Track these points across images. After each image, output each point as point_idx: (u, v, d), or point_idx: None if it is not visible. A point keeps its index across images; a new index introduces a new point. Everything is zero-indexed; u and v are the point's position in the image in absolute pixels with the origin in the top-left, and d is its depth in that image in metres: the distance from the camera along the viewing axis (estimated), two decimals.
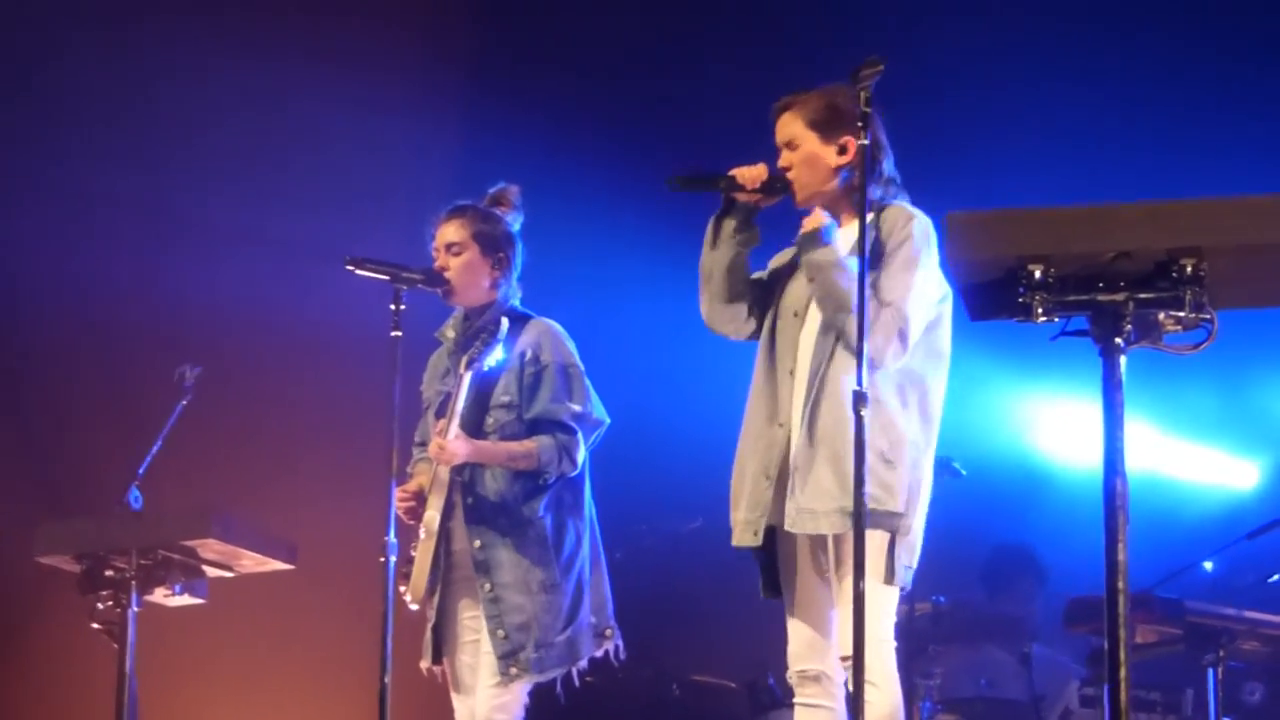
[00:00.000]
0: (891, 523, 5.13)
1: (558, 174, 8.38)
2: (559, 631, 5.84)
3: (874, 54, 4.93)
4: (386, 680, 5.70)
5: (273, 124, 8.79)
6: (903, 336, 5.13)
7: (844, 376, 5.09)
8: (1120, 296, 3.99)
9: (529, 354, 5.95)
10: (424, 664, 6.02)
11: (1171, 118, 8.49)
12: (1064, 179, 8.16)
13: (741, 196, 5.33)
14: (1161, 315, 4.01)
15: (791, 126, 5.35)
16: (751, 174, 5.30)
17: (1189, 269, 3.92)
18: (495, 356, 5.82)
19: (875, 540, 5.07)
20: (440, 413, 5.93)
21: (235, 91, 8.74)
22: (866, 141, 4.98)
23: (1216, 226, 3.94)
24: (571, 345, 6.04)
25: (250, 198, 8.82)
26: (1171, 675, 7.67)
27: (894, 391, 5.20)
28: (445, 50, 9.24)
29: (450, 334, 6.14)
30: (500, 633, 5.81)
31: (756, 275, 5.45)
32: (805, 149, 5.33)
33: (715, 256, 5.37)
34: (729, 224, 5.35)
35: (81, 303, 8.81)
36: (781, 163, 5.36)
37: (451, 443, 5.78)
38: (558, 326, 6.06)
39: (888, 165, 5.35)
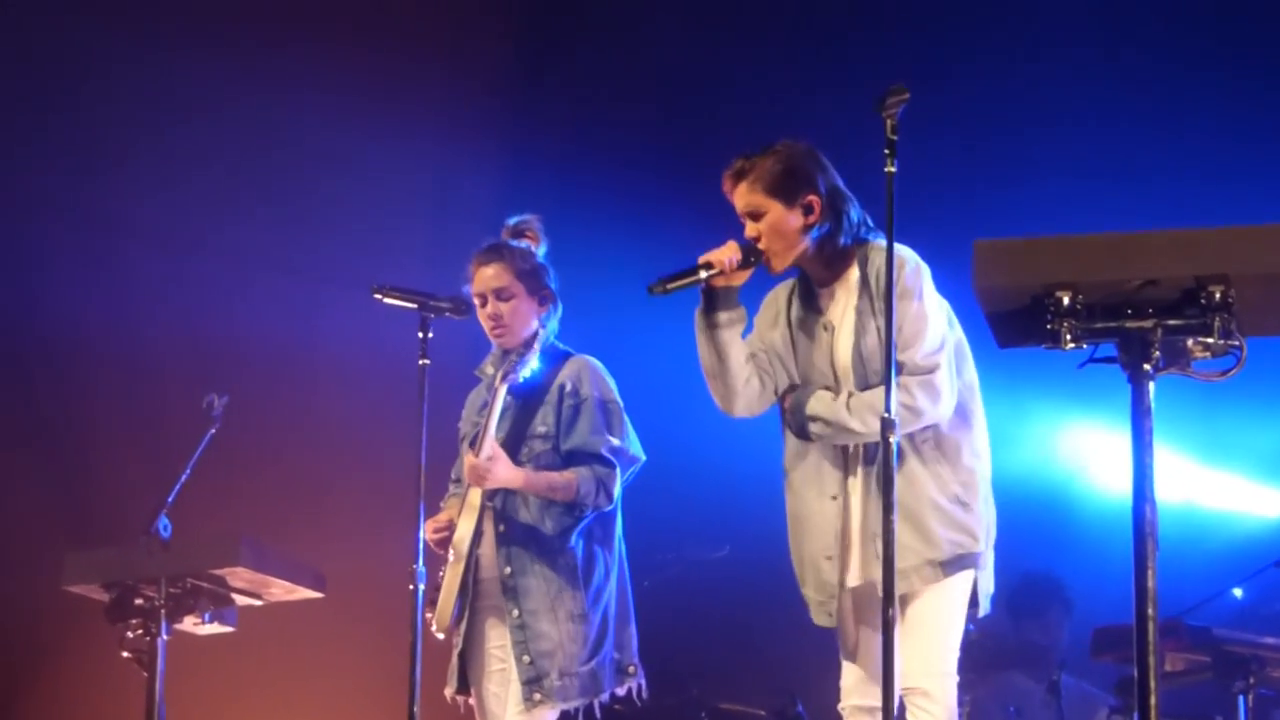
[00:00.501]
0: (974, 561, 5.19)
1: (586, 200, 8.40)
2: (584, 662, 5.83)
3: (898, 82, 4.90)
4: (416, 710, 5.71)
5: (301, 151, 8.80)
6: (933, 390, 5.09)
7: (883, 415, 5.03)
8: (1148, 323, 3.99)
9: (569, 386, 5.95)
10: (449, 692, 6.00)
11: (1198, 146, 8.48)
12: (1091, 207, 8.15)
13: (720, 281, 5.23)
14: (1190, 342, 4.01)
15: (750, 197, 5.26)
16: (725, 255, 5.20)
17: (1217, 296, 3.92)
18: (530, 368, 5.82)
19: (962, 583, 5.15)
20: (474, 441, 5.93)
21: (264, 119, 8.76)
22: (894, 170, 4.91)
23: (1244, 254, 3.94)
24: (611, 382, 6.03)
25: (278, 226, 8.84)
26: (1201, 704, 7.64)
27: (961, 435, 5.22)
28: (476, 76, 9.26)
29: (490, 370, 6.13)
30: (526, 658, 5.80)
31: (751, 345, 5.37)
32: (770, 218, 5.23)
33: (715, 354, 5.28)
34: (721, 315, 5.26)
35: (109, 331, 8.82)
36: (748, 233, 5.26)
37: (488, 464, 5.76)
38: (597, 362, 6.04)
39: (854, 211, 5.27)
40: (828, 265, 5.29)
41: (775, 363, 5.36)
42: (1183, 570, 7.12)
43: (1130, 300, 4.00)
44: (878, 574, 5.08)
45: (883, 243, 5.14)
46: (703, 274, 5.20)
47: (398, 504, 6.02)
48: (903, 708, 5.16)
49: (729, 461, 5.89)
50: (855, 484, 5.21)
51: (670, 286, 5.21)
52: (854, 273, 5.27)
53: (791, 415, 5.24)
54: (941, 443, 5.17)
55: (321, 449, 8.86)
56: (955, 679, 5.19)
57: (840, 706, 5.35)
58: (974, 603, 5.21)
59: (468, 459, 5.80)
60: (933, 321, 5.14)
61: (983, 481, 5.24)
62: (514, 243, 6.07)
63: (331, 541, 8.10)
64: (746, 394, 5.33)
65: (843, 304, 5.29)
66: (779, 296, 5.44)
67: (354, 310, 7.36)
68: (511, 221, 6.13)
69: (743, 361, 5.31)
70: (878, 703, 5.19)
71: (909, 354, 5.08)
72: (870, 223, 5.31)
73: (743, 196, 5.28)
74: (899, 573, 5.05)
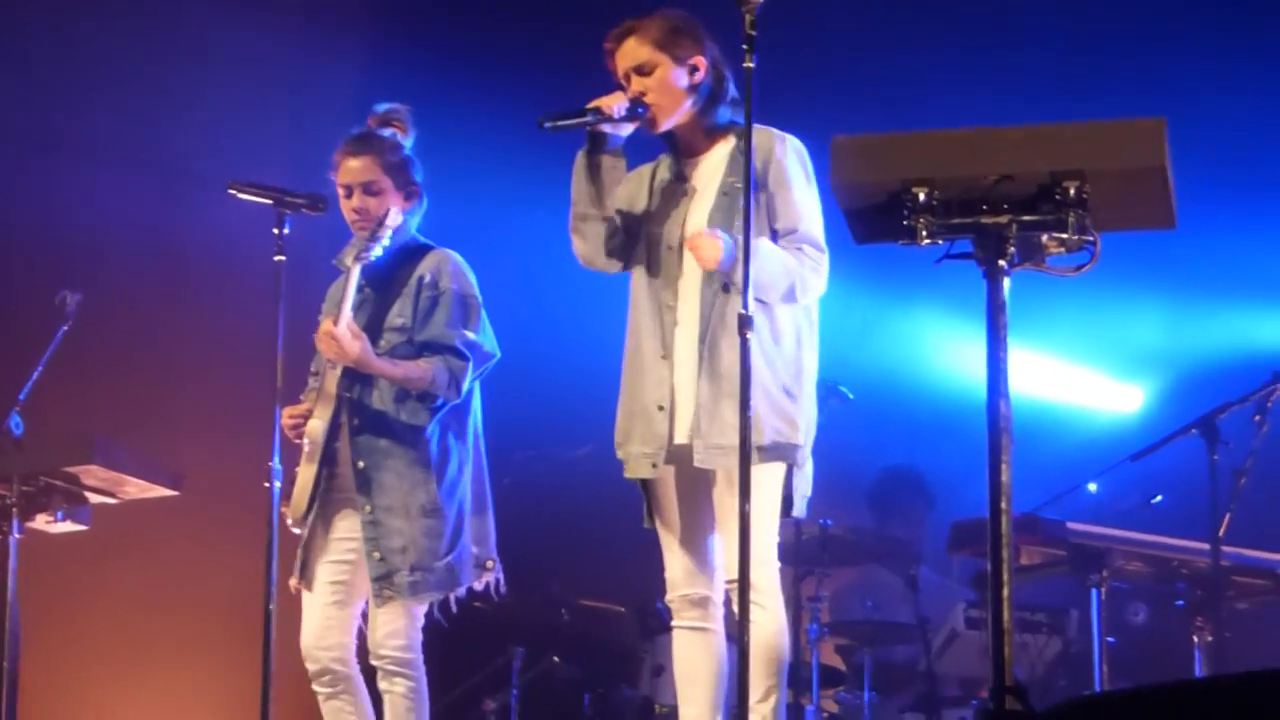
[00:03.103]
0: (792, 455, 5.20)
1: (447, 101, 8.32)
2: (439, 557, 5.77)
3: None
4: (271, 607, 5.66)
5: (158, 41, 8.66)
6: (823, 272, 5.22)
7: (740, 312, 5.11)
8: (1004, 219, 4.03)
9: (427, 278, 5.89)
10: (293, 582, 5.90)
11: (1055, 44, 8.54)
12: (948, 104, 8.18)
13: (607, 127, 5.29)
14: (1044, 238, 4.05)
15: (639, 50, 5.32)
16: (614, 102, 5.26)
17: (1071, 192, 3.96)
18: (382, 246, 5.77)
19: (775, 472, 5.15)
20: None
21: (122, 12, 8.61)
22: (752, 65, 4.91)
23: (1098, 150, 3.98)
24: (472, 276, 5.97)
25: (133, 118, 8.70)
26: (1056, 597, 7.75)
27: (791, 323, 5.26)
28: None
29: (349, 261, 6.07)
30: (376, 554, 5.75)
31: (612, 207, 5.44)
32: (658, 74, 5.30)
33: (589, 194, 5.34)
34: (603, 159, 5.32)
35: None
36: (634, 89, 5.31)
37: (346, 338, 5.70)
38: (458, 257, 5.98)
39: (732, 87, 5.35)
40: (706, 134, 5.36)
41: (635, 223, 5.41)
42: (1039, 465, 7.20)
43: (986, 196, 4.03)
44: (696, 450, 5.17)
45: (760, 126, 5.20)
46: (589, 117, 5.26)
47: (255, 401, 5.95)
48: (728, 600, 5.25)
49: (591, 361, 5.87)
50: (687, 352, 5.23)
51: (560, 124, 5.26)
52: (725, 146, 5.33)
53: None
54: (780, 332, 5.22)
55: (177, 346, 8.77)
56: (777, 566, 5.20)
57: (668, 599, 5.39)
58: (789, 503, 5.21)
59: (323, 325, 5.74)
60: (815, 199, 5.25)
61: (809, 379, 5.28)
62: (382, 132, 5.99)
63: (188, 440, 8.04)
64: (610, 245, 5.39)
65: (709, 174, 5.34)
66: (645, 168, 5.50)
67: (210, 205, 7.27)
68: (380, 109, 6.04)
69: (612, 213, 5.37)
70: (708, 592, 5.31)
71: (809, 232, 5.19)
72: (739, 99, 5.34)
73: (630, 52, 5.35)
74: (720, 449, 5.15)
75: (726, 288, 5.18)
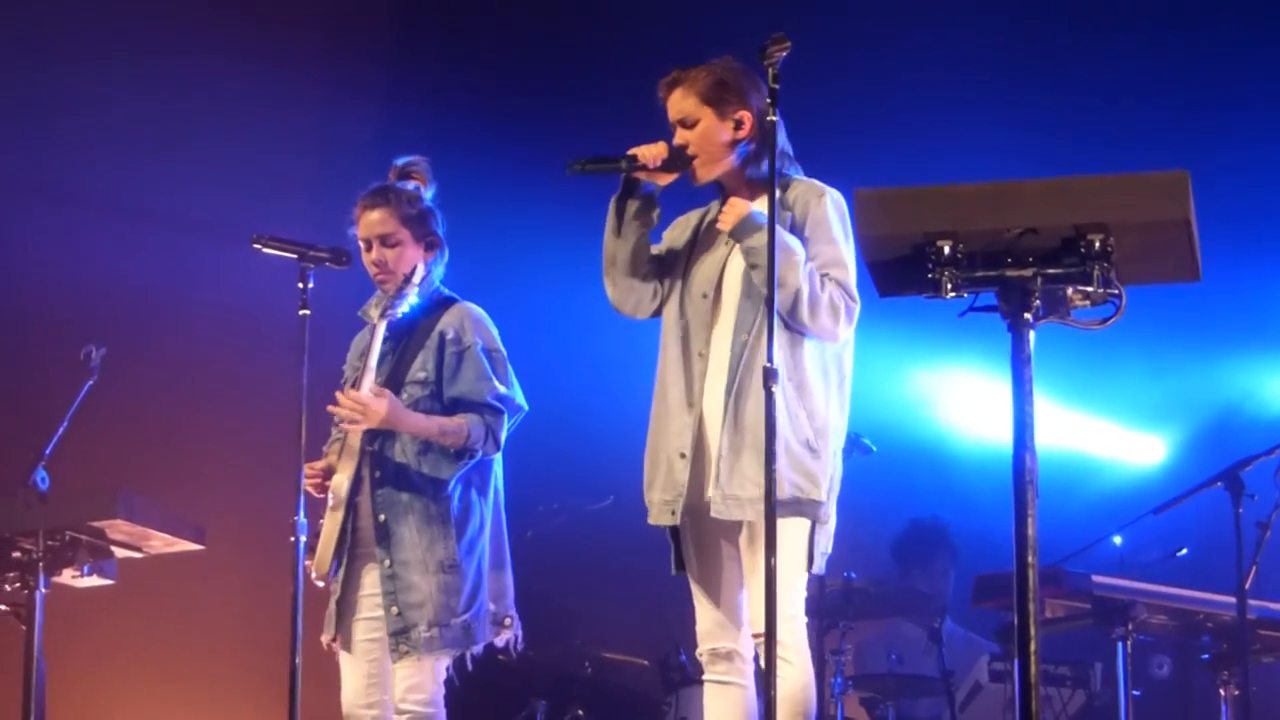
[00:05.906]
0: (814, 511, 5.16)
1: (469, 156, 8.36)
2: (457, 614, 5.75)
3: (779, 31, 4.91)
4: (297, 661, 5.64)
5: (179, 100, 8.71)
6: (849, 313, 5.16)
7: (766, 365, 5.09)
8: (1028, 272, 4.03)
9: (450, 334, 5.89)
10: (325, 638, 5.91)
11: (1076, 97, 8.56)
12: (972, 157, 8.19)
13: (643, 176, 5.30)
14: (1069, 290, 4.05)
15: (684, 103, 5.32)
16: (652, 152, 5.27)
17: (1096, 245, 3.96)
18: (409, 303, 5.79)
19: (797, 527, 5.09)
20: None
21: (141, 68, 8.65)
22: (776, 118, 4.97)
23: (1122, 203, 3.98)
24: (495, 330, 5.97)
25: (156, 176, 8.74)
26: (1080, 649, 7.73)
27: (820, 378, 5.22)
28: (363, 29, 9.18)
29: (373, 313, 6.08)
30: (394, 609, 5.74)
31: (655, 250, 5.43)
32: (702, 126, 5.30)
33: (620, 240, 5.34)
34: (632, 205, 5.32)
35: None
36: (677, 140, 5.32)
37: (370, 400, 5.73)
38: (480, 310, 5.99)
39: (782, 138, 5.32)
40: (748, 185, 5.33)
41: (674, 266, 5.40)
42: (1063, 517, 7.19)
43: (1010, 249, 4.03)
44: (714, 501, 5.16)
45: (810, 180, 5.26)
46: (623, 164, 5.27)
47: (279, 455, 5.97)
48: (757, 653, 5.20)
49: (614, 413, 5.88)
50: (715, 401, 5.22)
51: (590, 167, 5.27)
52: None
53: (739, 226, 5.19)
54: (807, 388, 5.17)
55: (201, 400, 8.79)
56: (803, 620, 5.17)
57: (698, 652, 5.37)
58: (809, 559, 5.16)
59: (348, 394, 5.76)
60: (850, 249, 5.20)
61: (835, 436, 5.24)
62: (401, 185, 6.00)
63: (212, 494, 8.05)
64: (640, 290, 5.38)
65: None
66: (695, 214, 5.50)
67: (234, 260, 7.29)
68: (399, 162, 6.06)
69: (644, 259, 5.36)
70: (736, 646, 5.27)
71: (840, 277, 5.15)
72: (791, 154, 5.34)
73: (676, 103, 5.35)
74: (737, 501, 5.13)
75: (754, 279, 5.14)
